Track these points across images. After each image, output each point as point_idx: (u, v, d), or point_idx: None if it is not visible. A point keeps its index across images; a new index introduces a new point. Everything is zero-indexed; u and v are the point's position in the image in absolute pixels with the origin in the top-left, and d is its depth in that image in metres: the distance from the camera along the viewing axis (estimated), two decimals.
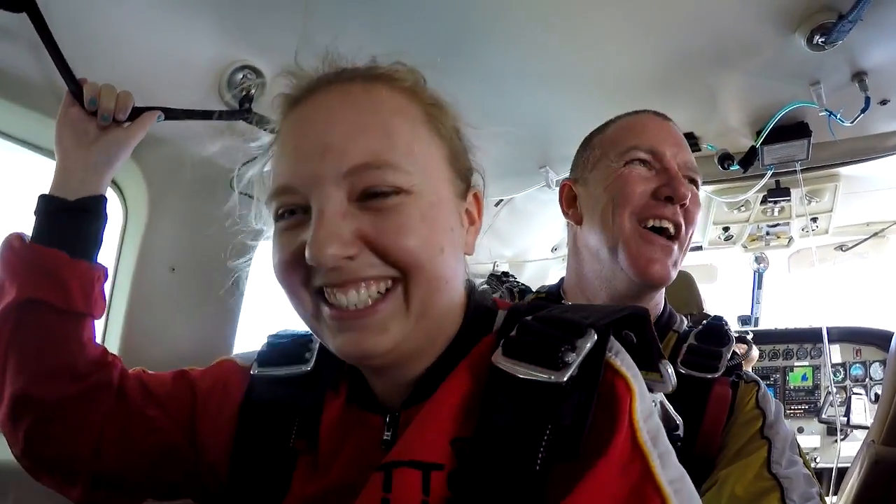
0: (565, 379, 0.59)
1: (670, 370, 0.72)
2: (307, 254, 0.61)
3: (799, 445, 1.02)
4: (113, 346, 1.27)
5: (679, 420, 0.82)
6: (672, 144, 1.13)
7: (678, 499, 0.58)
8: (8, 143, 1.19)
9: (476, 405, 0.64)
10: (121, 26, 1.13)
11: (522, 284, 1.41)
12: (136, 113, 1.03)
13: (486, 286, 1.39)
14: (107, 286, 1.29)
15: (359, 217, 0.64)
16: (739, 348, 1.12)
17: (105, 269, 0.93)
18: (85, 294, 0.86)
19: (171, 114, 1.12)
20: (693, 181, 1.15)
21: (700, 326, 1.14)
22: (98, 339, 0.96)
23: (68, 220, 0.88)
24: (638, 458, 0.59)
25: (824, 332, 1.84)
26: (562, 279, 1.28)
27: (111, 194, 1.35)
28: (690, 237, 1.15)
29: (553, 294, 1.27)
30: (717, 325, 1.12)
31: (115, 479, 0.85)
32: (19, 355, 0.82)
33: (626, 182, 1.11)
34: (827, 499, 1.83)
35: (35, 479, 0.85)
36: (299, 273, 0.65)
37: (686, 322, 1.21)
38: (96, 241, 0.92)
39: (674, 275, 1.12)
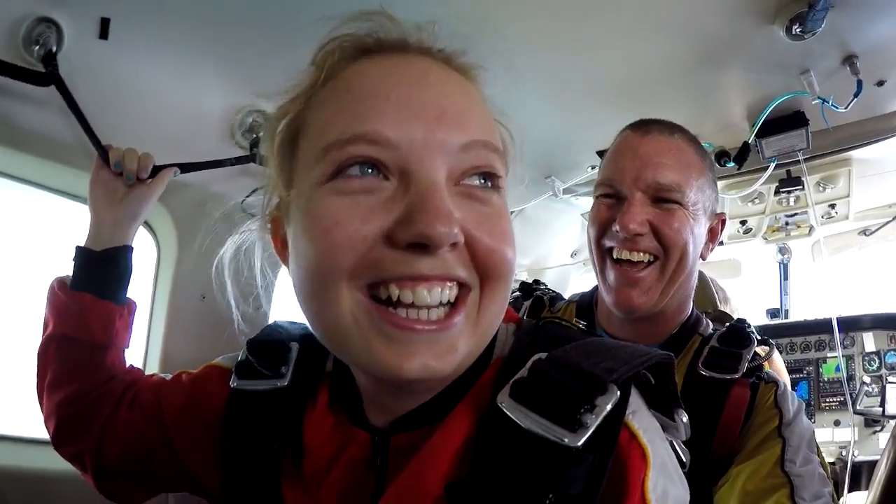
0: (580, 443, 0.51)
1: (685, 419, 0.67)
2: (418, 228, 0.51)
3: (817, 444, 1.03)
4: (153, 369, 1.42)
5: (687, 456, 0.73)
6: (636, 167, 1.11)
7: None
8: (49, 195, 1.37)
9: (472, 446, 0.58)
10: (139, 87, 1.27)
11: (553, 292, 1.46)
12: (157, 170, 1.17)
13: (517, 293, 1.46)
14: (144, 315, 1.45)
15: (457, 204, 0.55)
16: (761, 350, 1.13)
17: (131, 304, 1.10)
18: (105, 329, 1.02)
19: (185, 168, 1.26)
20: (668, 200, 1.10)
21: (723, 329, 1.16)
22: (140, 364, 1.10)
23: (96, 268, 1.05)
24: None
25: (834, 323, 1.80)
26: (595, 286, 1.31)
27: (145, 234, 1.51)
28: (681, 260, 1.11)
29: (585, 302, 1.31)
30: (740, 327, 1.15)
31: (115, 472, 0.97)
32: (53, 374, 1.00)
33: (592, 218, 1.19)
34: (859, 494, 1.77)
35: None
36: (352, 256, 0.53)
37: (711, 325, 1.23)
38: (121, 284, 1.07)
39: (651, 301, 1.12)
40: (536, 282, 1.53)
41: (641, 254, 1.11)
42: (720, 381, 1.06)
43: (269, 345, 0.80)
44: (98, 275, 1.04)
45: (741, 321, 1.18)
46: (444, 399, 0.62)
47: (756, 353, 1.11)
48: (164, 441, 0.89)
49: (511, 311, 0.71)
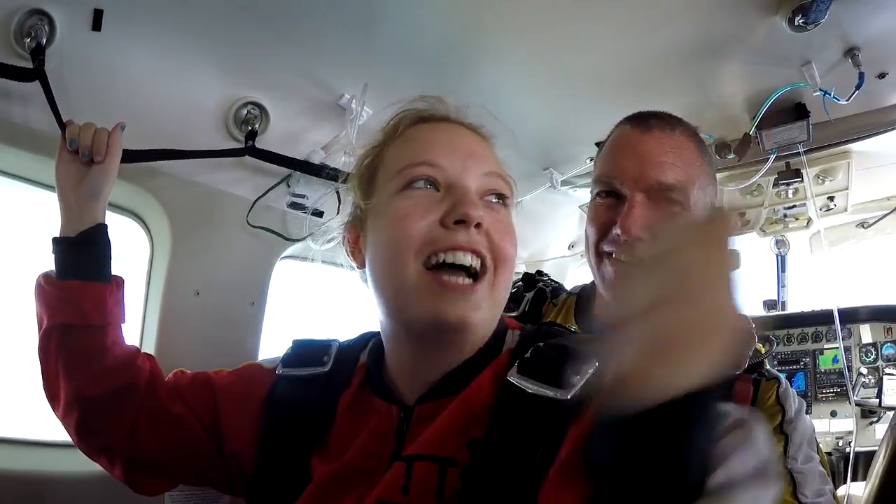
0: (569, 396, 0.71)
1: None
2: (461, 210, 0.79)
3: (818, 443, 1.04)
4: None
5: None
6: (637, 166, 1.07)
7: None
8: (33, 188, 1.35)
9: (490, 412, 0.76)
10: (132, 79, 1.25)
11: (555, 282, 1.46)
12: (134, 156, 1.14)
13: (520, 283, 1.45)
14: (138, 312, 1.43)
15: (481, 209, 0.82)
16: (760, 346, 1.15)
17: (119, 281, 1.07)
18: (99, 309, 1.01)
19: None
20: (669, 201, 1.06)
21: None
22: None
23: (76, 254, 1.03)
24: None
25: (835, 314, 1.80)
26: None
27: (139, 230, 1.49)
28: None
29: (585, 295, 1.31)
30: None
31: (148, 463, 1.00)
32: (64, 366, 1.00)
33: (591, 218, 1.15)
34: (854, 484, 1.79)
35: (91, 460, 1.03)
36: (418, 235, 0.79)
37: None
38: (102, 262, 1.05)
39: None
40: (539, 273, 1.52)
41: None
42: (724, 377, 1.06)
43: (312, 342, 0.99)
44: (79, 259, 1.03)
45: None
46: (463, 375, 0.81)
47: (756, 350, 1.11)
48: (209, 431, 0.98)
49: (515, 322, 0.92)
